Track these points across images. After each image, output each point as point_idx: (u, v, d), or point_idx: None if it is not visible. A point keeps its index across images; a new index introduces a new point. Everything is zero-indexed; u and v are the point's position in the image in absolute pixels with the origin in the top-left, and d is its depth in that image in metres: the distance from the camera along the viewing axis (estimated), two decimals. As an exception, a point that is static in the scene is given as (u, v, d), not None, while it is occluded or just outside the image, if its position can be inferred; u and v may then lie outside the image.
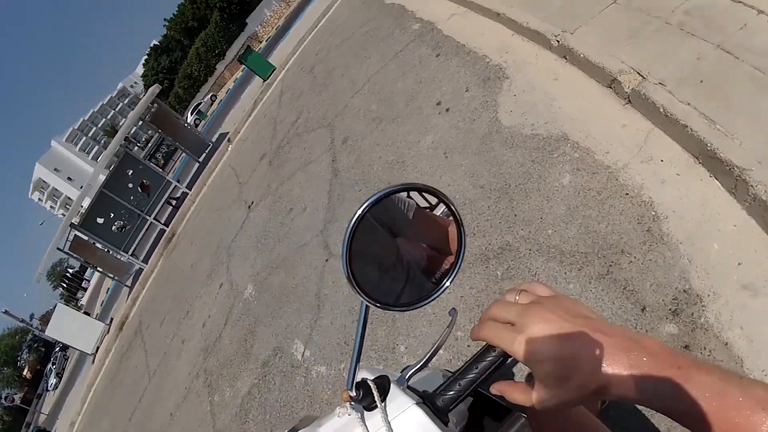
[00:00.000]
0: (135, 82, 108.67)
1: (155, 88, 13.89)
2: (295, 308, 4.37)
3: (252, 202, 7.52)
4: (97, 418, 11.66)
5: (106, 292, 32.28)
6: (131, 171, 13.56)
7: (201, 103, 42.27)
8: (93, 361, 15.98)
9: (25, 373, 76.97)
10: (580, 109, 3.11)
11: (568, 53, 3.48)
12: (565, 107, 3.23)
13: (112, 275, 16.11)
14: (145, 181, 13.74)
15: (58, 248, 14.76)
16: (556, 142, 3.05)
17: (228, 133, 13.82)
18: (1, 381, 76.47)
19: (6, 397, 32.67)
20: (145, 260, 14.17)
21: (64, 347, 42.42)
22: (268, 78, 13.88)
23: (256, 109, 13.11)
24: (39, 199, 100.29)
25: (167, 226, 13.84)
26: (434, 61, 5.09)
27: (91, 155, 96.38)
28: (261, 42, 36.15)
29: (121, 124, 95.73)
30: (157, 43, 63.16)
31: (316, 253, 4.58)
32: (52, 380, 44.46)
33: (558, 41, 3.60)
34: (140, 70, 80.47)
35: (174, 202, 15.15)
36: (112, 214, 13.67)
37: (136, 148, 24.68)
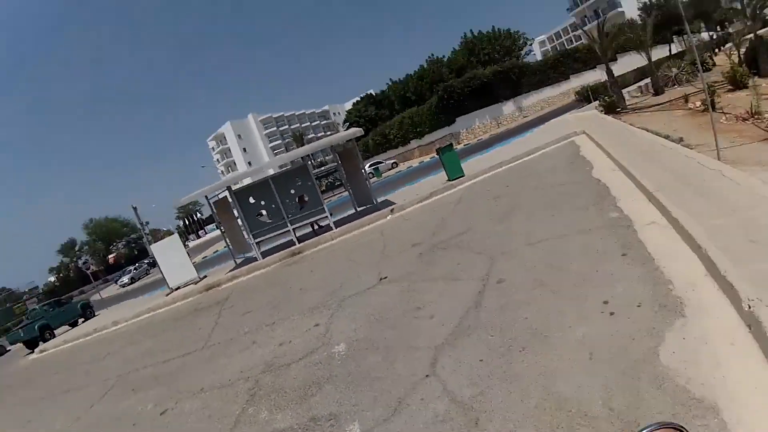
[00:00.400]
0: (338, 113, 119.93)
1: (358, 131, 15.26)
2: (373, 396, 4.30)
3: (386, 277, 7.68)
4: (137, 339, 12.57)
5: (213, 252, 35.01)
6: (300, 181, 14.99)
7: (382, 162, 45.37)
8: (167, 294, 17.22)
9: (110, 257, 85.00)
10: (746, 392, 2.92)
11: (755, 325, 3.18)
12: (729, 380, 3.04)
13: (230, 246, 17.42)
14: (305, 196, 15.03)
15: (206, 196, 16.50)
16: (705, 410, 2.91)
17: (394, 204, 14.63)
18: (91, 251, 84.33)
19: (85, 263, 36.26)
20: (264, 255, 15.21)
21: (154, 264, 46.23)
22: (452, 180, 14.62)
23: (430, 200, 13.79)
24: (212, 148, 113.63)
25: (300, 243, 14.82)
26: (618, 260, 4.96)
27: (270, 144, 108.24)
28: (459, 144, 38.30)
29: (309, 135, 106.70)
30: (373, 93, 69.14)
31: (421, 364, 4.48)
32: (125, 279, 48.53)
33: (750, 307, 3.28)
34: (348, 105, 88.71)
35: (316, 228, 16.25)
36: (263, 203, 15.16)
37: (309, 162, 26.94)
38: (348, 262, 10.24)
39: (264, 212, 15.43)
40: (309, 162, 15.65)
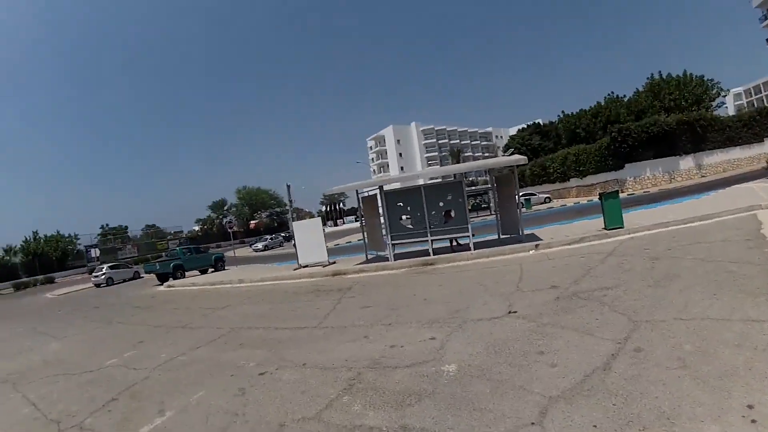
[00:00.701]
0: (500, 136, 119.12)
1: (522, 159, 14.73)
2: (470, 425, 3.92)
3: (515, 311, 7.21)
4: (256, 301, 13.36)
5: (346, 242, 36.42)
6: (450, 196, 14.91)
7: (535, 195, 43.76)
8: (295, 269, 18.10)
9: (252, 223, 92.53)
10: None
11: None
12: None
13: (367, 240, 17.88)
14: (452, 211, 14.89)
15: (356, 190, 17.12)
16: None
17: (541, 240, 13.95)
18: (236, 213, 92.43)
19: (229, 222, 39.95)
20: (396, 258, 15.38)
21: (288, 239, 49.76)
22: (609, 229, 13.55)
23: (579, 245, 12.90)
24: (370, 147, 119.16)
25: (434, 255, 14.77)
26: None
27: (426, 155, 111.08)
28: (623, 192, 35.25)
29: (466, 153, 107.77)
30: (540, 122, 67.16)
31: (529, 409, 3.99)
32: (259, 245, 52.41)
33: None
34: (512, 131, 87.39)
35: (454, 244, 16.11)
36: (410, 209, 15.36)
37: (464, 180, 26.69)
38: (478, 286, 9.81)
39: (407, 217, 15.68)
40: (464, 180, 15.49)
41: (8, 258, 57.78)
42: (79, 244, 62.99)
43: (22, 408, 6.74)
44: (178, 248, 31.67)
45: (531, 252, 13.23)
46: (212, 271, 28.63)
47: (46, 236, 61.78)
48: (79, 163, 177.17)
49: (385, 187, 15.95)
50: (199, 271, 28.88)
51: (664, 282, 7.28)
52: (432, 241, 15.20)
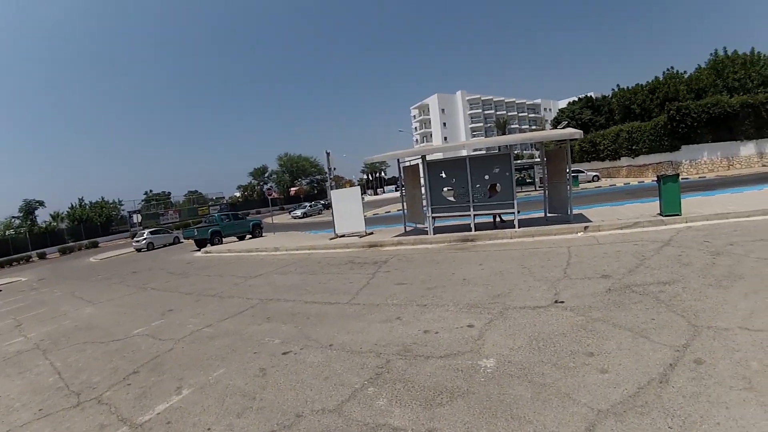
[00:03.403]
0: (549, 109, 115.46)
1: (577, 132, 13.80)
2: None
3: (562, 301, 6.69)
4: (289, 270, 13.22)
5: (385, 212, 36.16)
6: (498, 169, 14.23)
7: (583, 172, 42.07)
8: (331, 239, 17.95)
9: (292, 190, 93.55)
10: None
11: None
12: None
13: (407, 211, 17.44)
14: (498, 185, 14.24)
15: (398, 159, 16.66)
16: None
17: (590, 222, 13.17)
18: (277, 180, 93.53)
19: (269, 189, 40.34)
20: (435, 231, 15.01)
21: (327, 207, 50.04)
22: (665, 215, 12.62)
23: (632, 230, 12.13)
24: (413, 116, 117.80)
25: (475, 231, 14.24)
26: None
27: (470, 125, 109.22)
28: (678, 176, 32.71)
29: (512, 125, 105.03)
30: (593, 96, 64.27)
31: (574, 422, 3.57)
32: (298, 212, 53.18)
33: None
34: (562, 104, 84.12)
35: (498, 221, 15.49)
36: (453, 180, 14.79)
37: (513, 153, 25.76)
38: (522, 269, 9.25)
39: (449, 189, 15.14)
40: (513, 153, 14.80)
41: (55, 224, 60.70)
42: (123, 210, 65.45)
43: (48, 377, 6.87)
44: (216, 214, 32.15)
45: (579, 234, 12.49)
46: (250, 238, 28.97)
47: (90, 203, 64.54)
48: (126, 132, 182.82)
49: (428, 157, 15.32)
50: (237, 237, 29.29)
51: (726, 282, 6.53)
52: (474, 215, 14.63)
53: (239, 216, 32.42)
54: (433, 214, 15.16)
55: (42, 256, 48.62)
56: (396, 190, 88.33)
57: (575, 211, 14.71)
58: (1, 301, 19.47)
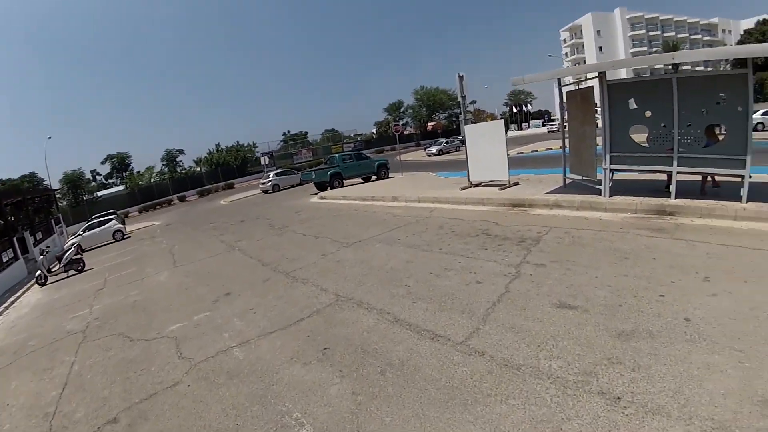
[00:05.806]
0: (728, 30, 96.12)
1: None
2: None
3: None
4: (394, 237, 9.76)
5: (531, 151, 31.35)
6: (723, 98, 8.47)
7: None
8: (462, 189, 14.28)
9: (429, 124, 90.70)
10: None
11: None
12: None
13: (570, 155, 12.53)
14: (721, 127, 8.96)
15: (559, 79, 11.79)
16: None
17: None
18: (413, 114, 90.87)
19: (405, 124, 37.11)
20: (611, 192, 10.20)
21: (465, 142, 44.78)
22: None
23: None
24: (563, 39, 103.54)
25: (675, 197, 9.14)
26: None
27: (632, 50, 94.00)
28: None
29: (683, 46, 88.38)
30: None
31: None
32: (433, 149, 50.11)
33: None
34: (747, 24, 70.00)
35: (710, 183, 9.52)
36: (649, 114, 9.50)
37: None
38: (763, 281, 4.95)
39: (657, 129, 9.55)
40: (751, 72, 8.93)
41: (198, 168, 65.60)
42: (258, 152, 67.27)
43: (52, 390, 5.65)
44: (336, 155, 29.93)
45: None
46: (375, 179, 26.39)
47: (227, 147, 68.14)
48: (269, 77, 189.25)
49: (610, 75, 10.03)
50: (362, 179, 26.85)
51: None
52: (677, 173, 9.25)
53: (363, 156, 29.65)
54: (612, 165, 10.10)
55: (182, 199, 51.66)
56: (542, 125, 79.60)
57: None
58: (117, 251, 19.47)
